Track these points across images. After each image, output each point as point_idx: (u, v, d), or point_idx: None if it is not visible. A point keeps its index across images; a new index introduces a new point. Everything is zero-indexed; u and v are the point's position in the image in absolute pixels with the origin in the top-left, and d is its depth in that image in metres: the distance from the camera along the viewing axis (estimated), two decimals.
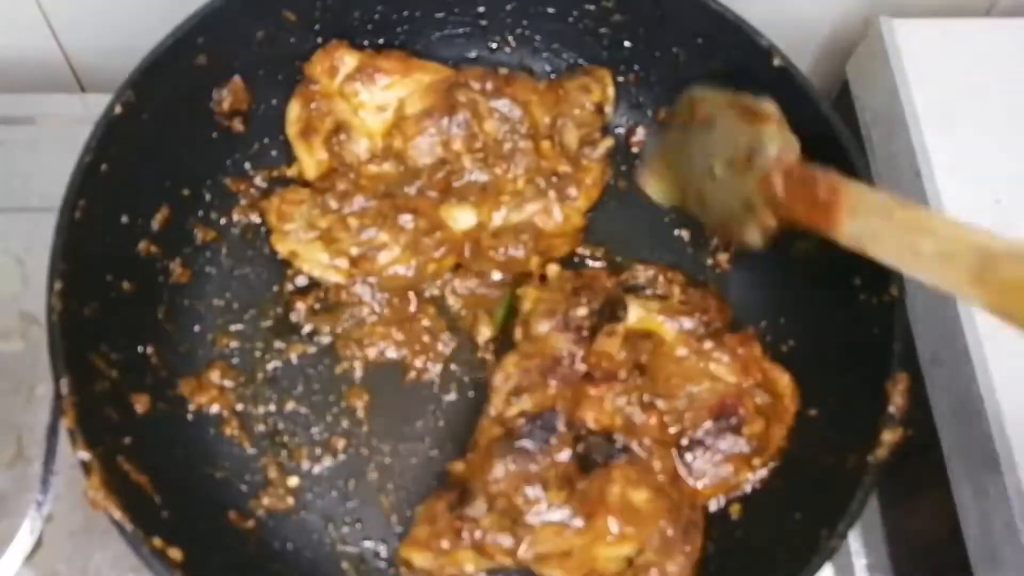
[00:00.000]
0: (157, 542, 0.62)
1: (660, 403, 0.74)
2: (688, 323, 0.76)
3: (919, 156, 0.80)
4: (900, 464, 0.66)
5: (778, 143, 0.69)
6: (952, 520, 0.72)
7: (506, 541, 0.68)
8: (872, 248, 0.60)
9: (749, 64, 0.78)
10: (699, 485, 0.73)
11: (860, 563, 0.78)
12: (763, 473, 0.74)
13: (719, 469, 0.73)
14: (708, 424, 0.73)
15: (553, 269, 0.81)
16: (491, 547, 0.68)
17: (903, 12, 0.87)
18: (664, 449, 0.73)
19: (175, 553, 0.63)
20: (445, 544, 0.68)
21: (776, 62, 0.76)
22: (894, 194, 0.61)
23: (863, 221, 0.61)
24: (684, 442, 0.73)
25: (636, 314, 0.77)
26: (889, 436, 0.65)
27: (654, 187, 0.85)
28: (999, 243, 0.54)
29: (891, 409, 0.66)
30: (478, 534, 0.68)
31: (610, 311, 0.76)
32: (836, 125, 0.74)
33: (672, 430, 0.73)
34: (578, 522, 0.69)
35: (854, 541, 0.78)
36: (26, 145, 0.89)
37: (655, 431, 0.73)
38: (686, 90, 0.80)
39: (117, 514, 0.62)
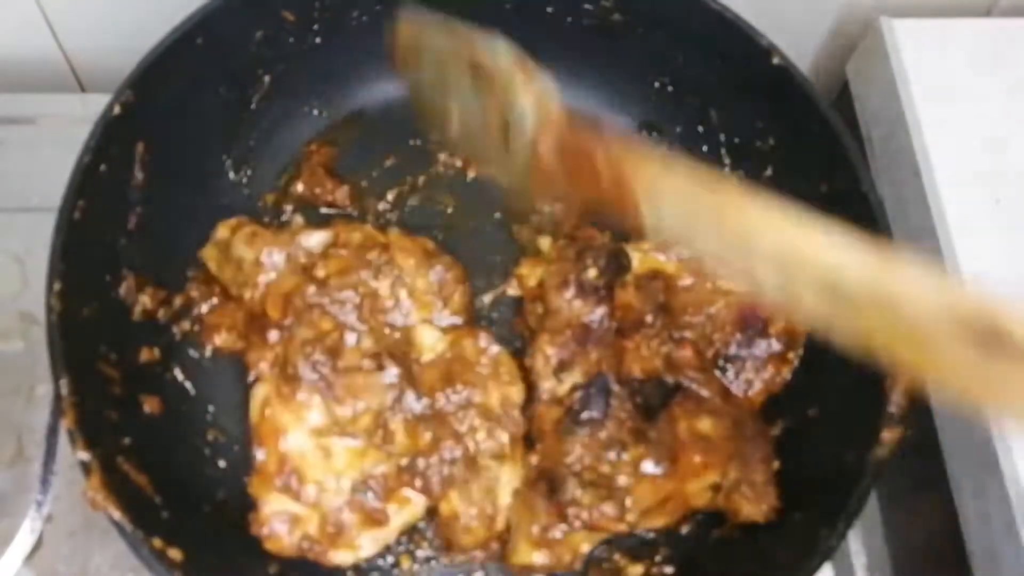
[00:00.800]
0: (157, 542, 0.62)
1: (688, 334, 0.76)
2: (684, 251, 0.77)
3: (919, 156, 0.80)
4: (900, 463, 0.66)
5: (532, 112, 0.54)
6: (952, 520, 0.72)
7: (611, 510, 0.69)
8: (689, 241, 0.50)
9: (748, 64, 0.78)
10: (750, 394, 0.76)
11: (860, 562, 0.77)
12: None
13: (762, 374, 0.76)
14: (737, 337, 0.76)
15: (545, 242, 0.82)
16: (600, 521, 0.69)
17: (903, 12, 0.87)
18: (708, 374, 0.75)
19: (175, 553, 0.63)
20: (558, 534, 0.70)
21: (775, 61, 0.76)
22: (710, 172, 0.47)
23: (667, 206, 0.49)
24: (721, 362, 0.76)
25: (637, 258, 0.78)
26: (889, 435, 0.65)
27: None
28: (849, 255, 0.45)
29: (891, 408, 0.66)
30: (584, 515, 0.69)
31: (616, 264, 0.77)
32: (836, 125, 0.74)
33: (709, 354, 0.76)
34: (664, 468, 0.70)
35: (854, 541, 0.78)
36: (26, 145, 0.89)
37: (694, 360, 0.75)
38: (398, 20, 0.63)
39: (117, 514, 0.62)
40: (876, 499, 0.79)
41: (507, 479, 0.72)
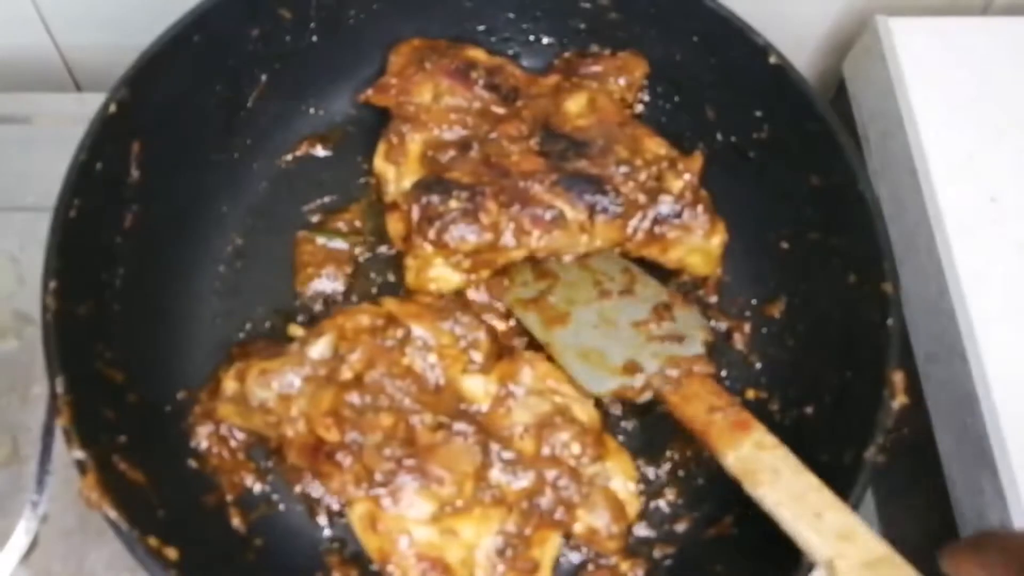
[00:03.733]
0: (153, 541, 0.62)
1: None
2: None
3: (915, 154, 0.80)
4: (896, 461, 0.66)
5: (704, 336, 0.75)
6: (947, 517, 0.72)
7: None
8: (755, 490, 0.65)
9: (745, 62, 0.78)
10: None
11: None
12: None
13: None
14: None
15: None
16: None
17: (899, 11, 0.87)
18: None
19: (171, 552, 0.63)
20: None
21: (772, 60, 0.76)
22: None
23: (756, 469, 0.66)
24: None
25: None
26: (885, 433, 0.65)
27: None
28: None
29: (887, 406, 0.66)
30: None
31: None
32: (832, 123, 0.74)
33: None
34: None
35: None
36: (21, 144, 0.89)
37: None
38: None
39: (112, 513, 0.62)
40: (872, 496, 0.80)
41: (615, 470, 0.71)
